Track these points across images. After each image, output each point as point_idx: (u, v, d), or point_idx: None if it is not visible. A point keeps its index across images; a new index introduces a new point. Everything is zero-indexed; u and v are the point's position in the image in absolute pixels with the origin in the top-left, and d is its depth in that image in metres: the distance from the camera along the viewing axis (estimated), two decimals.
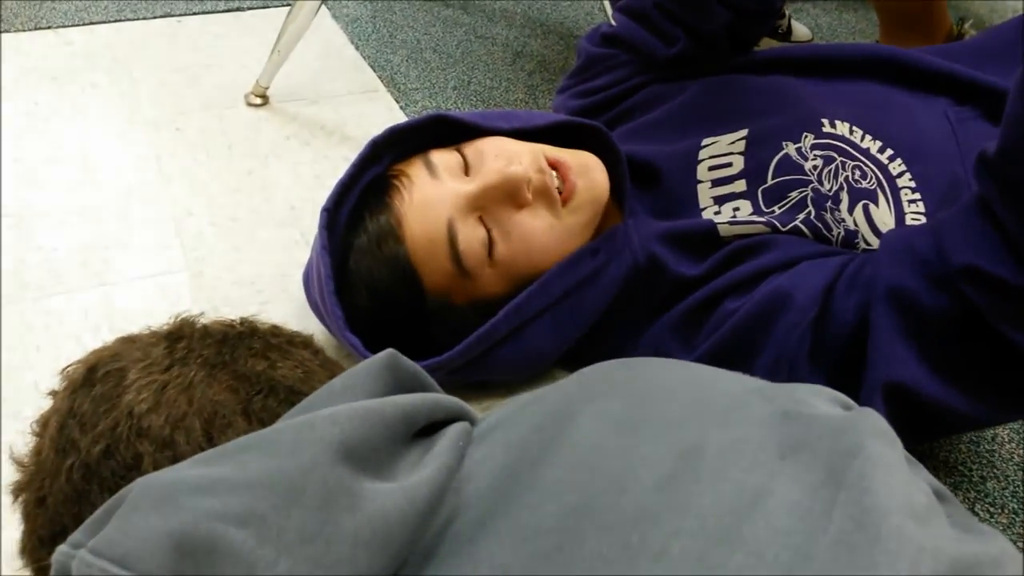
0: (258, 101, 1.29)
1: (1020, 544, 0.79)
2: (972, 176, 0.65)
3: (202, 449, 0.48)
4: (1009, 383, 0.65)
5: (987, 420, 0.80)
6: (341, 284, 0.78)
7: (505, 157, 0.77)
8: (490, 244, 0.76)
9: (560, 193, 0.78)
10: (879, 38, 1.52)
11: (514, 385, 0.86)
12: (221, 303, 0.95)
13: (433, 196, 0.75)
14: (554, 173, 0.78)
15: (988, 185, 0.62)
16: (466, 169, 0.78)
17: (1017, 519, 0.81)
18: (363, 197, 0.80)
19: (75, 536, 0.38)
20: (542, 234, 0.77)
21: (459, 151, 0.79)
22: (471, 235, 0.75)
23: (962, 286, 0.62)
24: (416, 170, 0.78)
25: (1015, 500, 0.82)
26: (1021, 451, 0.87)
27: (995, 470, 0.85)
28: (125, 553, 0.35)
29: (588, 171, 0.80)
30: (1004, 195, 0.60)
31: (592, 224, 0.81)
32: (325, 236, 0.78)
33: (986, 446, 0.88)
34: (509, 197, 0.76)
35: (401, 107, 1.33)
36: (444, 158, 0.78)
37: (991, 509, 0.82)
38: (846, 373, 0.69)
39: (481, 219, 0.76)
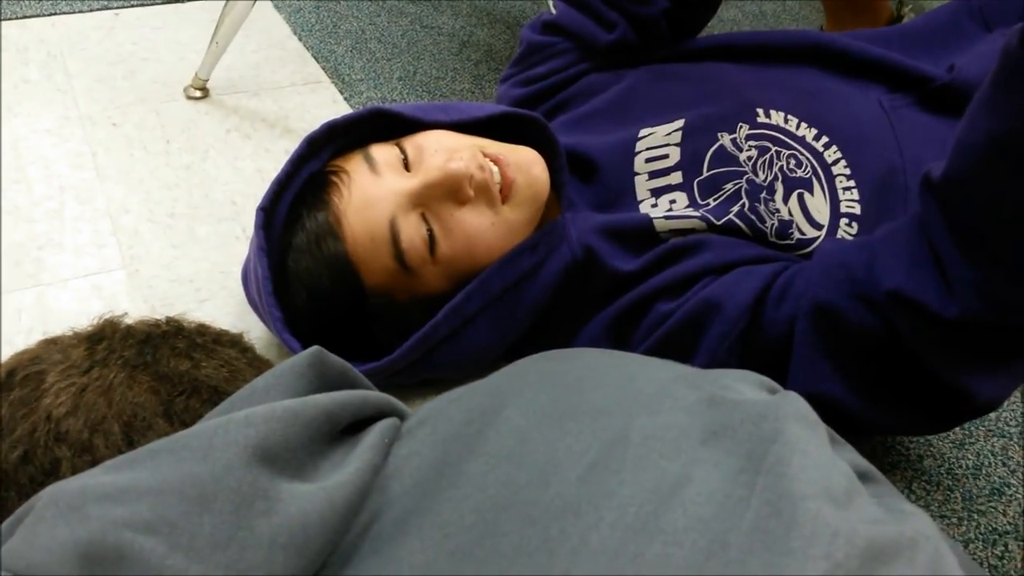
0: (197, 94, 1.26)
1: (954, 520, 0.80)
2: (911, 181, 0.64)
3: (121, 452, 0.47)
4: (928, 404, 0.66)
5: (912, 432, 0.83)
6: (279, 284, 0.76)
7: (445, 152, 0.76)
8: (432, 241, 0.75)
9: (499, 189, 0.77)
10: (824, 24, 1.54)
11: (460, 381, 0.86)
12: (159, 302, 0.93)
13: (374, 193, 0.74)
14: (495, 168, 0.77)
15: (930, 206, 0.62)
16: (406, 164, 0.77)
17: (951, 496, 0.83)
18: (301, 194, 0.78)
19: None
20: (484, 231, 0.77)
21: (399, 145, 0.78)
22: (413, 232, 0.74)
23: (888, 308, 0.63)
24: (355, 166, 0.77)
25: (950, 477, 0.84)
26: (957, 430, 0.89)
27: (931, 448, 0.87)
28: (29, 564, 0.34)
29: (527, 167, 0.79)
30: (945, 219, 0.60)
31: (534, 220, 0.80)
32: (262, 236, 0.76)
33: None
34: (451, 194, 0.75)
35: (345, 98, 1.32)
36: (384, 153, 0.77)
37: (927, 487, 0.83)
38: (775, 379, 0.69)
39: (423, 216, 0.75)
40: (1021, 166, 0.55)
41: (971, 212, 0.59)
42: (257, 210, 0.77)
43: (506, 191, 0.77)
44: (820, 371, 0.68)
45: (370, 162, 0.76)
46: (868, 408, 0.68)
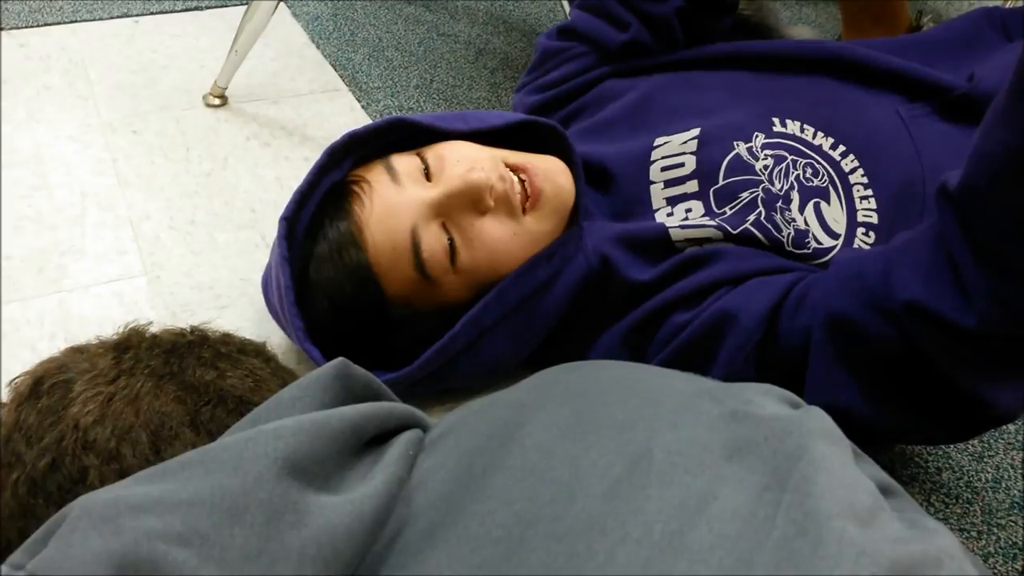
0: (217, 102, 1.27)
1: (974, 533, 0.80)
2: (930, 190, 0.64)
3: (149, 462, 0.48)
4: (946, 414, 0.66)
5: (931, 442, 0.83)
6: (301, 294, 0.77)
7: (466, 162, 0.76)
8: (453, 251, 0.75)
9: (527, 198, 0.77)
10: (841, 31, 1.53)
11: (479, 391, 0.86)
12: (179, 309, 0.94)
13: (395, 203, 0.75)
14: (515, 178, 0.78)
15: (947, 216, 0.61)
16: (427, 174, 0.77)
17: (971, 509, 0.82)
18: (323, 204, 0.79)
19: (15, 557, 0.38)
20: (505, 241, 0.77)
21: (420, 155, 0.78)
22: (434, 242, 0.75)
23: (905, 319, 0.63)
24: (377, 175, 0.77)
25: (969, 491, 0.84)
26: (975, 442, 0.89)
27: (950, 461, 0.87)
28: (64, 575, 0.34)
29: (553, 175, 0.79)
30: (962, 229, 0.60)
31: (557, 230, 0.81)
32: (284, 245, 0.77)
33: None
34: (472, 203, 0.75)
35: (363, 106, 1.32)
36: (405, 163, 0.78)
37: (946, 500, 0.83)
38: (793, 390, 0.69)
39: (444, 225, 0.75)
40: None
41: (988, 222, 0.58)
42: (280, 220, 0.77)
43: (534, 200, 0.77)
44: (837, 382, 0.68)
45: (391, 172, 0.77)
46: (886, 418, 0.68)
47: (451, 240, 0.75)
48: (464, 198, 0.74)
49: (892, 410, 0.67)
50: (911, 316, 0.62)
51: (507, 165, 0.78)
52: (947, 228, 0.61)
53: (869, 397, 0.67)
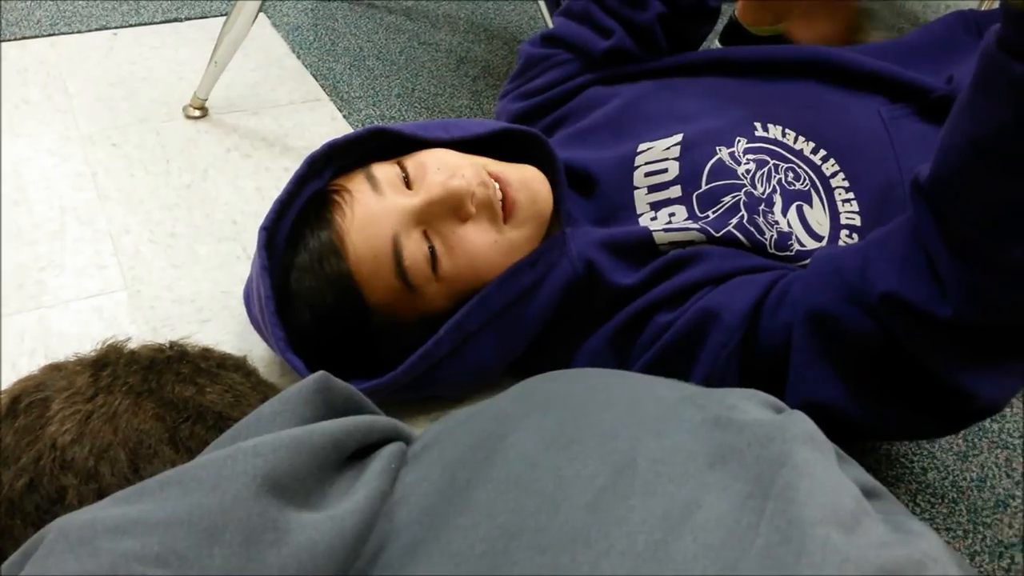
0: (196, 113, 1.26)
1: (960, 532, 0.80)
2: (907, 188, 0.65)
3: (128, 480, 0.47)
4: (929, 407, 0.67)
5: (916, 436, 0.83)
6: (282, 304, 0.76)
7: (447, 170, 0.76)
8: (434, 259, 0.75)
9: (502, 207, 0.77)
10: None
11: (464, 398, 0.86)
12: (160, 323, 0.93)
13: (376, 211, 0.75)
14: (496, 186, 0.78)
15: (920, 209, 0.62)
16: (408, 182, 0.77)
17: (956, 508, 0.82)
18: (303, 214, 0.79)
19: None
20: (487, 249, 0.77)
21: (400, 164, 0.78)
22: (416, 250, 0.74)
23: (882, 312, 0.63)
24: (357, 185, 0.77)
25: (955, 490, 0.84)
26: (960, 441, 0.89)
27: (935, 461, 0.87)
28: None
29: (529, 184, 0.80)
30: (934, 221, 0.60)
31: (537, 237, 0.81)
32: (264, 255, 0.76)
33: None
34: (453, 211, 0.75)
35: (344, 116, 1.32)
36: (385, 172, 0.77)
37: (932, 500, 0.83)
38: (776, 390, 0.69)
39: (425, 233, 0.75)
40: (999, 167, 0.55)
41: (957, 213, 0.59)
42: (260, 230, 0.77)
43: (508, 210, 0.77)
44: (819, 377, 0.68)
45: (372, 181, 0.77)
46: (869, 413, 0.68)
47: (432, 248, 0.75)
48: (445, 205, 0.74)
49: (874, 404, 0.68)
50: (888, 308, 0.63)
51: (487, 173, 0.78)
52: (920, 220, 0.62)
53: (851, 392, 0.67)
